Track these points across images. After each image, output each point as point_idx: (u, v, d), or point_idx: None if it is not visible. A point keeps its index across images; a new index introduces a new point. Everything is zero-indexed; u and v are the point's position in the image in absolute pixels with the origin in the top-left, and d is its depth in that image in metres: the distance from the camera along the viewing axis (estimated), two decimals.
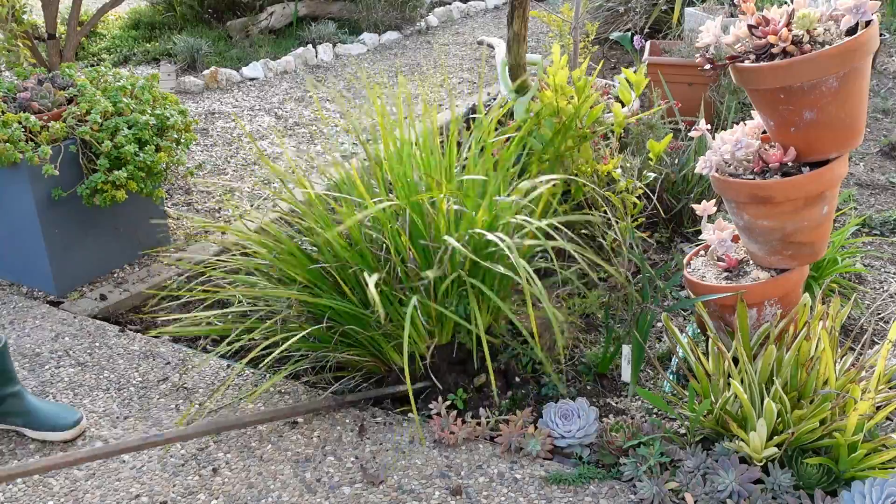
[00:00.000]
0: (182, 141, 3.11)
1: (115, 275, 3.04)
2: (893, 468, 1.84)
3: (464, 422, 2.14)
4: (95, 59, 5.90)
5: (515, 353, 2.34)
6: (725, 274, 2.18)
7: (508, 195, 2.24)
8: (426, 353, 2.22)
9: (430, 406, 2.16)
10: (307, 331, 2.15)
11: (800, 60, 1.77)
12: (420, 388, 2.26)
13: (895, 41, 5.50)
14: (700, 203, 2.29)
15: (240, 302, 2.40)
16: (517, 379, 2.30)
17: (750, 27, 1.85)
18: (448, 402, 2.15)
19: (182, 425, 2.16)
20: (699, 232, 2.54)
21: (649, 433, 2.00)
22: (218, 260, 2.45)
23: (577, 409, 2.10)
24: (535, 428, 2.08)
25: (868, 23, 1.78)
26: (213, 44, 6.03)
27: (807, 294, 2.17)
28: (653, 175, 2.92)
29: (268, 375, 2.38)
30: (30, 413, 2.14)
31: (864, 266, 2.91)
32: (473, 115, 2.92)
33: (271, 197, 3.56)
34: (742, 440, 1.86)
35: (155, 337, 2.64)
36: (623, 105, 2.96)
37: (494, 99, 3.75)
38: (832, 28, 1.81)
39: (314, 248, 2.28)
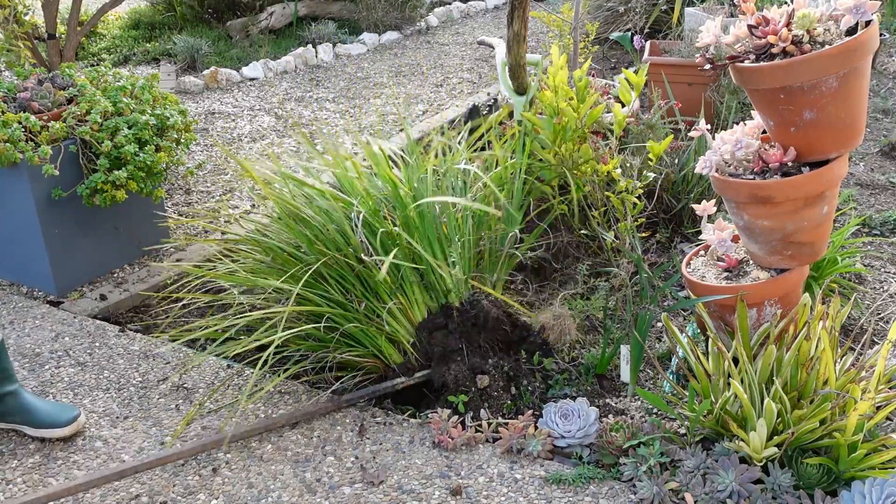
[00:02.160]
0: (182, 141, 3.11)
1: (115, 275, 3.04)
2: (893, 468, 1.84)
3: (464, 425, 2.13)
4: (95, 59, 5.90)
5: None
6: (725, 274, 2.18)
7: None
8: (411, 336, 2.24)
9: (430, 415, 2.16)
10: (307, 327, 2.16)
11: (800, 60, 1.76)
12: (420, 379, 2.26)
13: (895, 41, 5.50)
14: (700, 203, 2.29)
15: (240, 304, 2.40)
16: (524, 381, 2.29)
17: (750, 27, 1.85)
18: (449, 410, 2.15)
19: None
20: (699, 232, 2.54)
21: (649, 433, 2.00)
22: (215, 261, 2.45)
23: (577, 409, 2.10)
24: (536, 428, 2.08)
25: (868, 23, 1.78)
26: (213, 44, 6.03)
27: (807, 294, 2.17)
28: (652, 175, 2.92)
29: (267, 376, 2.37)
30: (28, 411, 2.13)
31: (864, 266, 2.91)
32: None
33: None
34: (742, 440, 1.86)
35: (155, 337, 2.64)
36: (623, 105, 2.96)
37: (495, 99, 3.75)
38: (832, 28, 1.81)
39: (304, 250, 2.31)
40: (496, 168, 2.60)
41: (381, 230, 2.19)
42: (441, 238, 2.32)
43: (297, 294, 2.17)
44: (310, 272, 2.16)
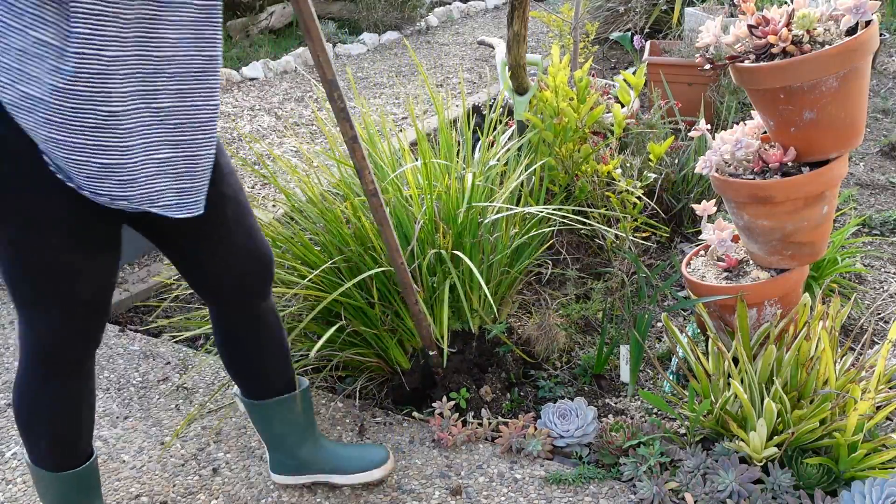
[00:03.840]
0: None
1: None
2: (893, 468, 1.84)
3: (464, 423, 2.14)
4: None
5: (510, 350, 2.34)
6: (725, 274, 2.18)
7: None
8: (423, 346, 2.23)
9: (434, 405, 2.15)
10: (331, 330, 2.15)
11: (800, 60, 1.77)
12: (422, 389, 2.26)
13: (895, 41, 5.51)
14: (700, 203, 2.29)
15: None
16: (516, 389, 2.30)
17: (750, 27, 1.85)
18: (451, 403, 2.15)
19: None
20: (699, 232, 2.54)
21: (649, 433, 2.00)
22: None
23: (576, 408, 2.10)
24: (535, 429, 2.08)
25: (868, 22, 1.78)
26: None
27: (807, 294, 2.17)
28: (653, 176, 2.92)
29: None
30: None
31: (864, 266, 2.91)
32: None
33: (270, 197, 3.56)
34: (742, 440, 1.86)
35: (155, 336, 2.64)
36: (622, 106, 2.97)
37: (494, 99, 3.75)
38: (832, 28, 1.81)
39: (318, 247, 2.29)
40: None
41: (432, 251, 2.14)
42: (486, 259, 2.29)
43: (314, 292, 2.15)
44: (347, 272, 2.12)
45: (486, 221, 2.24)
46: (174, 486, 1.98)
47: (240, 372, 1.81)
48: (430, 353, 2.18)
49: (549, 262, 2.73)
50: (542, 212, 2.34)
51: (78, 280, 1.44)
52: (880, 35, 4.28)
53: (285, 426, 1.87)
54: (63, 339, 1.50)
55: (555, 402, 2.16)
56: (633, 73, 2.88)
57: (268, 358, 1.78)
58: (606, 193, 2.79)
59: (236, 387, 1.86)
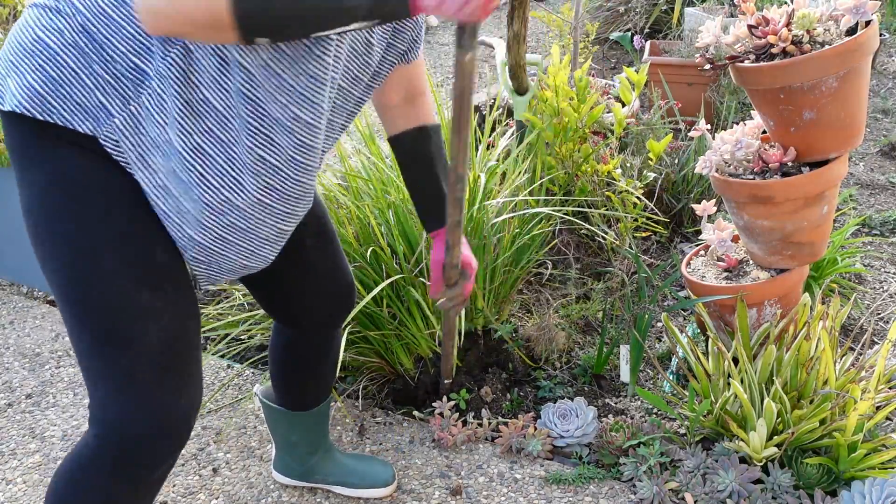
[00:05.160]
0: None
1: None
2: (893, 468, 1.84)
3: (464, 423, 2.14)
4: None
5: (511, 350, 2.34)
6: (725, 274, 2.18)
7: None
8: (430, 353, 2.23)
9: (434, 405, 2.15)
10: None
11: (799, 60, 1.77)
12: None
13: (895, 41, 5.50)
14: (700, 203, 2.29)
15: (241, 304, 2.40)
16: (515, 389, 2.30)
17: (750, 27, 1.85)
18: (451, 403, 2.15)
19: None
20: (699, 232, 2.54)
21: (649, 433, 2.00)
22: None
23: (576, 408, 2.10)
24: (535, 429, 2.08)
25: (868, 23, 1.78)
26: None
27: (807, 294, 2.17)
28: (653, 175, 2.92)
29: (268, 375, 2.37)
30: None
31: (864, 266, 2.91)
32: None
33: None
34: (742, 440, 1.86)
35: None
36: (623, 105, 2.97)
37: (494, 99, 3.75)
38: (832, 28, 1.81)
39: None
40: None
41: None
42: (490, 259, 2.29)
43: None
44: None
45: (493, 222, 2.23)
46: (174, 486, 1.98)
47: (287, 387, 1.78)
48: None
49: (549, 262, 2.73)
50: (545, 208, 2.34)
51: (149, 322, 1.20)
52: (880, 35, 4.28)
53: (302, 434, 1.87)
54: (129, 419, 1.19)
55: (555, 402, 2.16)
56: (635, 72, 2.88)
57: (319, 378, 1.76)
58: (606, 193, 2.79)
59: (258, 385, 1.84)
